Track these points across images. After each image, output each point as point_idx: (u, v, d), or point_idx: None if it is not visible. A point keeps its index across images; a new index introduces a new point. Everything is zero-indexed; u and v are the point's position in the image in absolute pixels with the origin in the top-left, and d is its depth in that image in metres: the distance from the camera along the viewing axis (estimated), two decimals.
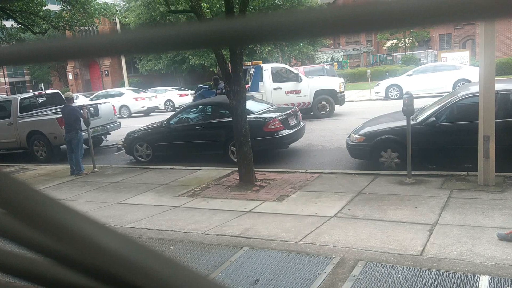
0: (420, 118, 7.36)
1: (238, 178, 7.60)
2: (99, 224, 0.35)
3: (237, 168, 7.74)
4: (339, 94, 15.09)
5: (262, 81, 14.56)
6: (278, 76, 15.02)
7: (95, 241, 0.33)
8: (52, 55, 0.36)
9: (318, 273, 4.17)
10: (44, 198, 0.35)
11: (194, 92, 16.28)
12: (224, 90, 13.57)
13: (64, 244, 0.34)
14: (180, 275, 0.33)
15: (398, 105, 8.53)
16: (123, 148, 12.04)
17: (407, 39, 39.70)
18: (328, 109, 14.94)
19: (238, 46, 6.39)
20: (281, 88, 14.70)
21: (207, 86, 16.44)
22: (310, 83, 15.09)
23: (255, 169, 7.63)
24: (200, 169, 9.00)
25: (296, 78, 15.06)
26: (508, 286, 3.61)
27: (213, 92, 14.49)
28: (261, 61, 18.69)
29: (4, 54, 0.38)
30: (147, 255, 0.34)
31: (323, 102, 14.92)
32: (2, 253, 0.39)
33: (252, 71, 15.19)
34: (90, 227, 0.34)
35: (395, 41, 41.22)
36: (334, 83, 15.33)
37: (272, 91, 14.49)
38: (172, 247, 5.21)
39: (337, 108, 15.56)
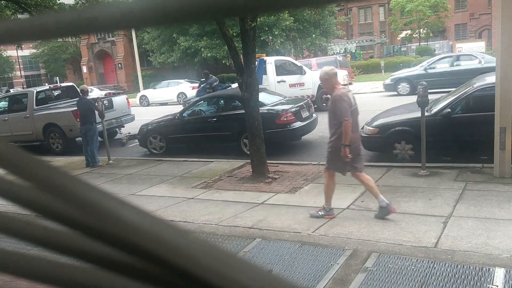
0: (435, 109, 7.28)
1: (251, 170, 7.63)
2: (119, 198, 0.36)
3: (249, 160, 7.76)
4: None
5: (265, 74, 14.47)
6: (281, 69, 14.95)
7: (117, 213, 0.35)
8: (58, 30, 0.36)
9: (331, 264, 4.18)
10: (65, 174, 0.36)
11: (198, 85, 16.31)
12: (213, 85, 13.66)
13: (86, 215, 0.36)
14: (201, 247, 0.34)
15: (411, 96, 8.44)
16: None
17: (421, 30, 39.11)
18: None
19: (249, 15, 6.30)
20: (284, 81, 14.63)
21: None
22: (313, 76, 15.00)
23: (268, 161, 7.65)
24: (213, 161, 9.05)
25: (300, 71, 14.98)
26: None
27: (221, 86, 14.49)
28: (264, 54, 18.57)
29: (8, 30, 0.38)
30: (169, 228, 0.35)
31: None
32: (29, 225, 0.41)
33: (255, 64, 15.11)
34: (111, 200, 0.35)
35: (409, 31, 40.64)
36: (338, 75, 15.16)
37: (276, 84, 14.40)
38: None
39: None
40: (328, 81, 5.12)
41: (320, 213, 5.42)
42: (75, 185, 0.36)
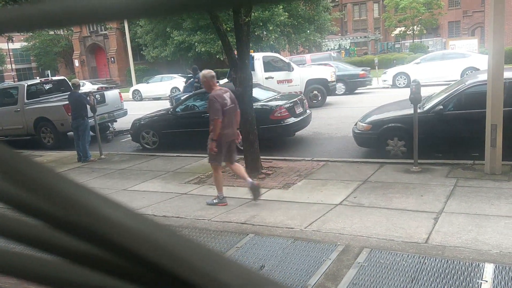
0: (427, 106, 7.32)
1: (244, 165, 7.62)
2: (98, 194, 0.35)
3: (243, 156, 7.75)
4: (330, 84, 15.00)
5: (253, 70, 14.47)
6: (269, 65, 14.94)
7: (91, 206, 0.34)
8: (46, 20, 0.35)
9: (323, 259, 4.20)
10: (39, 166, 0.36)
11: (185, 81, 16.27)
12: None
13: (58, 208, 0.35)
14: (183, 244, 0.34)
15: (405, 93, 8.49)
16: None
17: (415, 27, 39.24)
18: (319, 99, 14.86)
19: (244, 7, 6.25)
20: (272, 77, 14.62)
21: (198, 76, 16.43)
22: (301, 73, 15.03)
23: (261, 157, 7.65)
24: (206, 157, 9.02)
25: (288, 67, 14.99)
26: None
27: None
28: (252, 50, 18.56)
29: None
30: (150, 225, 0.34)
31: (315, 92, 14.82)
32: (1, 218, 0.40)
33: (249, 59, 15.11)
34: (85, 192, 0.35)
35: (403, 28, 40.78)
36: (326, 72, 15.22)
37: (264, 80, 14.38)
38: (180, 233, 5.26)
39: (344, 96, 15.46)
40: (206, 83, 5.85)
41: (214, 201, 6.08)
42: (46, 176, 0.35)
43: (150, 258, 0.34)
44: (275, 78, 14.61)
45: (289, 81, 14.77)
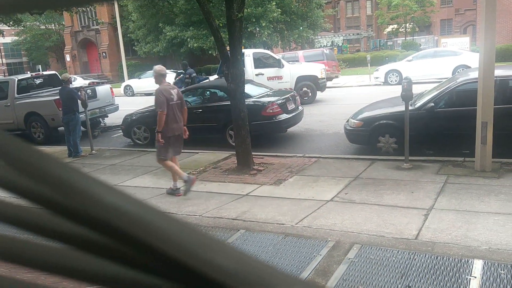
0: (419, 103, 7.35)
1: (236, 161, 7.61)
2: (99, 180, 0.35)
3: (235, 152, 7.74)
4: (320, 80, 15.03)
5: (243, 66, 14.45)
6: (259, 62, 14.92)
7: (92, 192, 0.34)
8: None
9: (314, 255, 4.21)
10: (41, 153, 0.36)
11: (174, 77, 16.25)
12: (192, 76, 13.61)
13: (61, 195, 0.35)
14: (187, 233, 0.34)
15: (397, 90, 8.53)
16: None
17: (407, 24, 39.40)
18: (310, 95, 14.88)
19: None
20: (262, 74, 14.61)
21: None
22: (292, 69, 15.03)
23: (253, 153, 7.64)
24: (198, 153, 9.01)
25: (278, 64, 15.00)
26: (501, 271, 3.66)
27: (198, 78, 14.50)
28: (242, 46, 18.55)
29: None
30: (153, 212, 0.34)
31: (305, 88, 14.84)
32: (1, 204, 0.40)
33: (241, 55, 15.11)
34: (85, 179, 0.35)
35: (395, 26, 40.90)
36: (316, 69, 15.24)
37: (254, 77, 14.36)
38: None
39: (336, 93, 15.48)
40: (157, 78, 6.21)
41: (171, 190, 6.50)
42: (48, 163, 0.35)
43: (153, 244, 0.34)
44: (265, 75, 14.59)
45: (279, 77, 14.77)
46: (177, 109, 6.18)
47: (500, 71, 6.98)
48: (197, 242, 0.33)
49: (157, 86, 6.22)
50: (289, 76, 14.80)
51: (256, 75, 14.51)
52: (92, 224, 0.36)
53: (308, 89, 14.81)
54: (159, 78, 6.19)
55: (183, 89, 12.78)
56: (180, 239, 0.33)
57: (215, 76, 15.10)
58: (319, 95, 16.11)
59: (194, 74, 14.21)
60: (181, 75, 14.59)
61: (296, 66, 15.61)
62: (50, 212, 0.38)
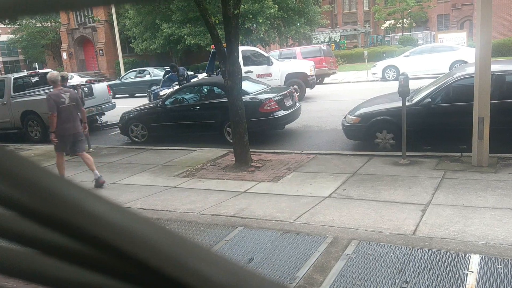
0: (416, 99, 7.36)
1: (234, 158, 7.62)
2: (73, 183, 0.34)
3: (232, 149, 7.74)
4: (309, 78, 15.03)
5: None
6: (249, 59, 14.89)
7: (60, 193, 0.32)
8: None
9: (312, 252, 4.22)
10: (11, 154, 0.34)
11: (163, 76, 16.25)
12: (186, 76, 13.60)
13: (28, 197, 0.34)
14: (167, 238, 0.33)
15: (394, 86, 8.53)
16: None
17: (404, 20, 39.35)
18: (299, 93, 14.89)
19: None
20: (252, 72, 14.58)
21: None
22: (281, 67, 15.02)
23: (251, 150, 7.64)
24: (195, 150, 9.01)
25: (267, 62, 14.98)
26: (498, 265, 3.68)
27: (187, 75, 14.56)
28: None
29: None
30: (131, 218, 0.33)
31: (294, 86, 14.85)
32: None
33: (238, 52, 15.08)
34: (55, 180, 0.33)
35: (392, 21, 40.84)
36: (305, 66, 15.22)
37: (243, 74, 14.34)
38: (167, 227, 5.24)
39: (333, 89, 15.45)
40: (52, 83, 6.94)
41: (95, 181, 7.07)
42: (18, 164, 0.34)
43: (130, 251, 0.32)
44: (254, 72, 14.56)
45: (269, 75, 14.76)
46: (71, 111, 6.89)
47: (497, 66, 6.99)
48: (182, 250, 0.32)
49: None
50: (278, 74, 14.80)
51: (246, 72, 14.49)
52: (65, 229, 0.34)
53: (297, 86, 14.84)
54: (53, 84, 6.94)
55: (171, 88, 12.83)
56: (163, 247, 0.32)
57: (204, 74, 15.07)
58: (317, 91, 16.11)
59: (186, 72, 14.23)
60: (169, 73, 14.65)
61: (285, 63, 15.60)
62: (17, 215, 0.36)
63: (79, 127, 7.04)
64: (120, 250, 0.32)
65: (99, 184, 6.99)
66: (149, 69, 25.02)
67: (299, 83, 14.74)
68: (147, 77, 23.38)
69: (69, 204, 0.33)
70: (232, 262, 0.32)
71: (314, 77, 15.63)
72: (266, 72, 14.78)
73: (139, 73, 24.25)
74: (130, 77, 24.10)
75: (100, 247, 0.34)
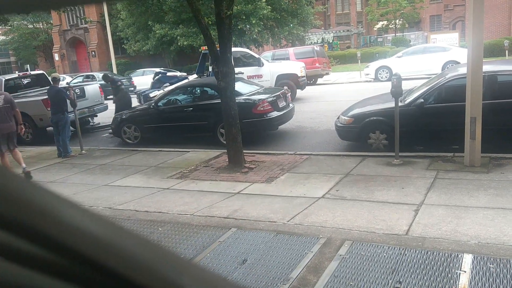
0: (408, 99, 7.38)
1: (227, 160, 7.60)
2: (35, 184, 0.32)
3: (226, 150, 7.72)
4: (300, 79, 15.06)
5: None
6: (239, 61, 14.90)
7: (26, 199, 0.31)
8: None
9: (305, 252, 4.21)
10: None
11: (153, 77, 16.26)
12: (120, 84, 13.61)
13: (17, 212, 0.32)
14: (153, 253, 0.32)
15: (387, 87, 8.57)
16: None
17: (397, 21, 39.56)
18: (289, 94, 14.92)
19: None
20: (242, 73, 14.57)
21: (165, 72, 16.50)
22: (272, 68, 15.05)
23: (244, 151, 7.63)
24: (189, 151, 8.97)
25: (258, 63, 15.00)
26: (490, 265, 3.69)
27: (172, 78, 14.64)
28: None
29: None
30: (99, 224, 0.32)
31: (285, 87, 14.88)
32: None
33: (231, 53, 15.09)
34: (23, 186, 0.32)
35: (385, 22, 41.07)
36: (295, 67, 15.25)
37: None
38: (160, 229, 5.22)
39: (327, 90, 15.47)
40: None
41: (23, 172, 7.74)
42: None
43: (93, 257, 0.31)
44: (245, 74, 14.55)
45: (259, 76, 14.77)
46: (5, 112, 7.56)
47: (489, 67, 7.03)
48: (157, 260, 0.31)
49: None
50: (269, 75, 14.81)
51: (236, 74, 14.50)
52: (29, 234, 0.33)
53: (288, 87, 14.87)
54: None
55: (161, 90, 12.82)
56: (130, 253, 0.31)
57: (194, 76, 15.05)
58: (310, 92, 16.14)
59: (176, 75, 14.31)
60: (159, 75, 14.71)
61: (276, 64, 15.62)
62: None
63: (14, 126, 7.73)
64: (85, 255, 0.31)
65: (27, 174, 7.70)
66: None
67: (290, 84, 14.76)
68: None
69: (34, 208, 0.31)
70: (212, 272, 0.31)
71: (305, 78, 15.66)
72: (256, 73, 14.79)
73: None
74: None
75: (64, 252, 0.33)
